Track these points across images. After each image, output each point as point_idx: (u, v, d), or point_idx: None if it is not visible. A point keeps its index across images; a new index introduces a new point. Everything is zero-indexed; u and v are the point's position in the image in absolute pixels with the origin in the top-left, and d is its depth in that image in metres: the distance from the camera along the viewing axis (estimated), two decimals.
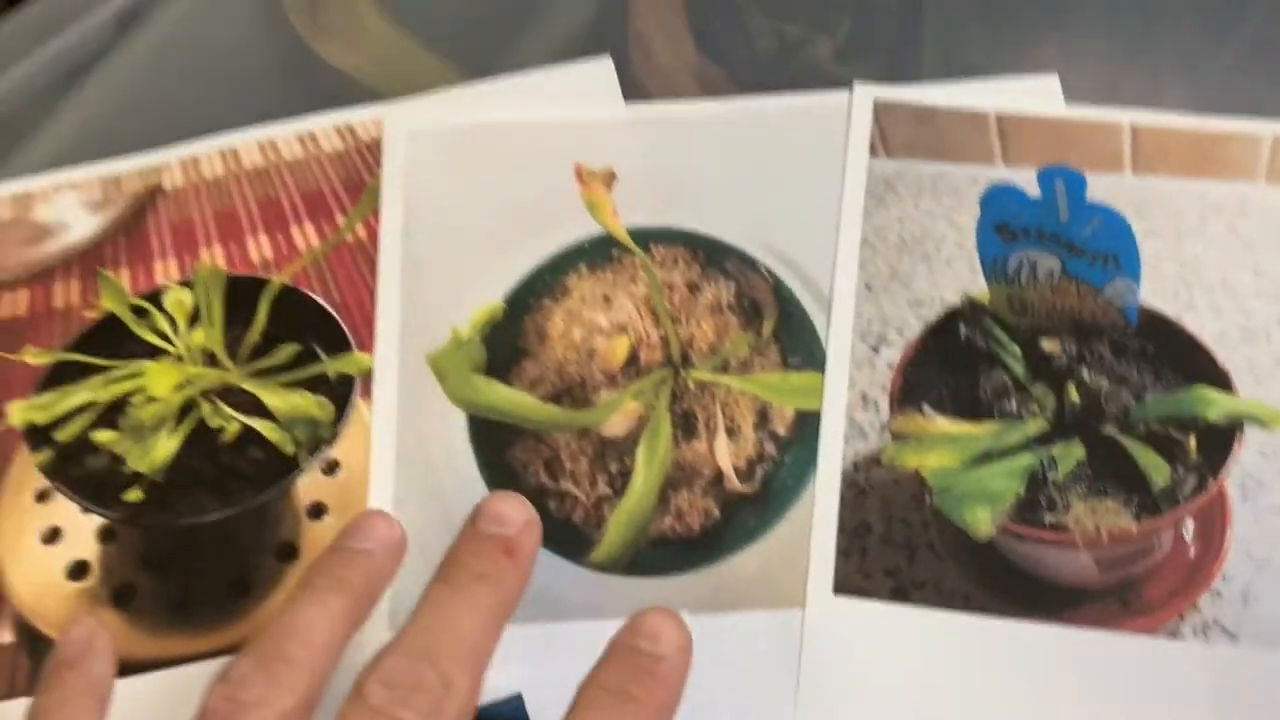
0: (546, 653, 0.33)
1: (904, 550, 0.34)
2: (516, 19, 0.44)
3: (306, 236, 0.40)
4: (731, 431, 0.36)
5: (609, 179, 0.40)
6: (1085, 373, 0.36)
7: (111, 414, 0.36)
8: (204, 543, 0.36)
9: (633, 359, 0.37)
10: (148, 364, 0.37)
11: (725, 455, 0.36)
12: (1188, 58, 0.41)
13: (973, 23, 0.42)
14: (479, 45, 0.43)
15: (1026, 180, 0.38)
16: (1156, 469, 0.34)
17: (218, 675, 0.26)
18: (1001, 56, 0.41)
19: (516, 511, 0.28)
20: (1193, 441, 0.34)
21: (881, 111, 0.41)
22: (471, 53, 0.43)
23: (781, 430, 0.36)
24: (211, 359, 0.38)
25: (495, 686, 0.31)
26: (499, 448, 0.36)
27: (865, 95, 0.41)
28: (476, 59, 0.42)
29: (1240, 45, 0.41)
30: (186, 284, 0.39)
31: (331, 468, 0.37)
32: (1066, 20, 0.42)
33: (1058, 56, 0.41)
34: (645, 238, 0.39)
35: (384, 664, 0.25)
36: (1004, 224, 0.37)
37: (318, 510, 0.36)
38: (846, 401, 0.36)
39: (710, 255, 0.39)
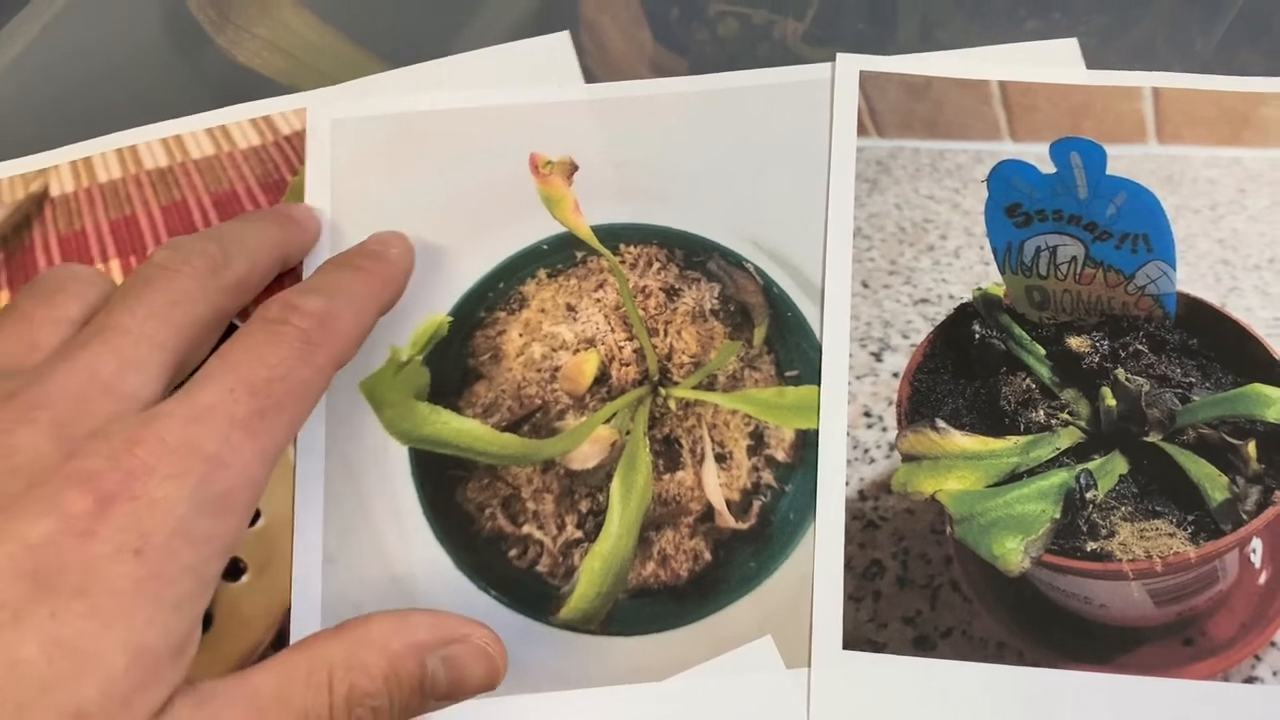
0: None
1: (924, 592, 0.31)
2: (455, 7, 0.39)
3: None
4: (722, 458, 0.32)
5: (569, 170, 0.36)
6: (1121, 373, 0.33)
7: None
8: None
9: (603, 377, 0.33)
10: None
11: (715, 486, 0.31)
12: (1179, 29, 0.37)
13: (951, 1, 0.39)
14: (413, 38, 0.38)
15: (1038, 156, 0.34)
16: (1212, 481, 0.30)
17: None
18: (984, 37, 0.38)
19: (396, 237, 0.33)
20: (1252, 447, 0.31)
21: (869, 84, 0.37)
22: (405, 47, 0.38)
23: (780, 455, 0.32)
24: None
25: None
26: (448, 487, 0.32)
27: (849, 66, 0.37)
28: (410, 55, 0.37)
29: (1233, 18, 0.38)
30: None
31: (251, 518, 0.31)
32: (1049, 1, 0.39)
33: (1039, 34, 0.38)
34: (613, 236, 0.36)
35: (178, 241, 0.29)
36: (1016, 205, 0.34)
37: (235, 569, 0.31)
38: (847, 418, 0.31)
39: (689, 254, 0.35)
